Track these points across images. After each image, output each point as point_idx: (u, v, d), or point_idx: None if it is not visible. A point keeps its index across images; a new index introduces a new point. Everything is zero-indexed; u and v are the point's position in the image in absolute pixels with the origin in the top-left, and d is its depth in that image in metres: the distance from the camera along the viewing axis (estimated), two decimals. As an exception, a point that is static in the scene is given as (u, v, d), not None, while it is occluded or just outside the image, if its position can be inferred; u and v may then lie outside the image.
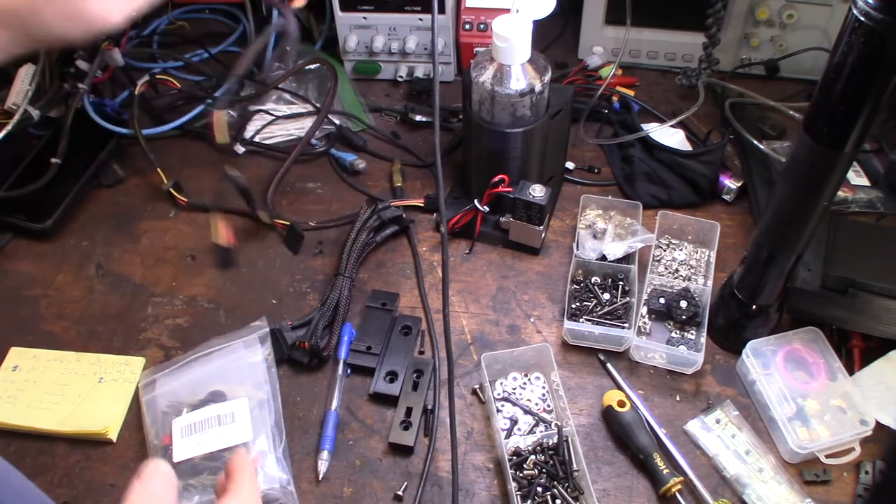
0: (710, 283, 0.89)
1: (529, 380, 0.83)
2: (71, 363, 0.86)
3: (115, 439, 0.80)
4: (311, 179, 1.06)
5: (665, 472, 0.74)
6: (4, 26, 0.50)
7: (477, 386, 0.83)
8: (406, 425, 0.79)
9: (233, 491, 0.53)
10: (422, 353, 0.87)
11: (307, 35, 1.25)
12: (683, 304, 0.85)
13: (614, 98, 1.10)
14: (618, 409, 0.78)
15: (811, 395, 0.78)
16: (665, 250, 0.94)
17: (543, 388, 0.83)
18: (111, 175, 1.06)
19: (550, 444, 0.77)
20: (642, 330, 0.87)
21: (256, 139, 1.09)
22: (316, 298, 0.92)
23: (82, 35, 0.52)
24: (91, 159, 1.04)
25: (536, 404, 0.81)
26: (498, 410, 0.80)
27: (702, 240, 0.94)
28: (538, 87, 0.85)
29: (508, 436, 0.78)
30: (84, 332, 0.90)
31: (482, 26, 1.11)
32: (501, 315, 0.90)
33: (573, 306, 0.88)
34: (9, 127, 0.99)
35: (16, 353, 0.87)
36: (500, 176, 0.89)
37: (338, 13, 1.12)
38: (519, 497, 0.73)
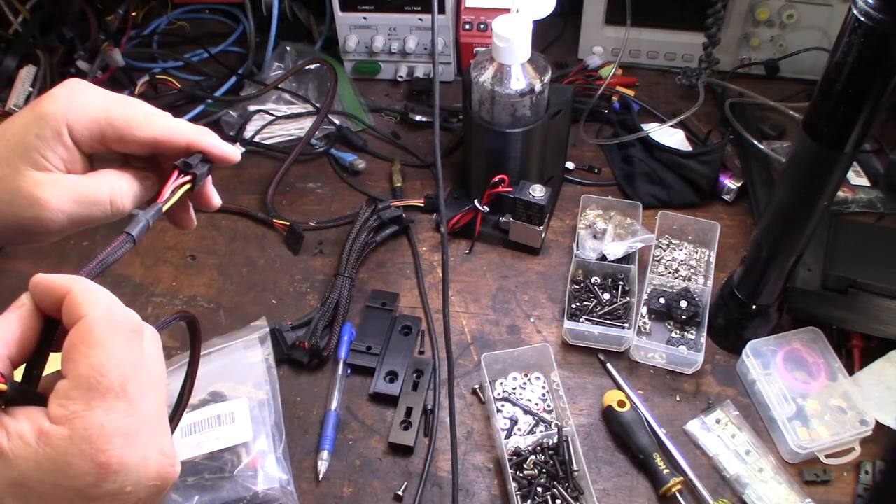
0: (710, 283, 0.89)
1: (529, 380, 0.83)
2: (71, 363, 0.86)
3: (115, 439, 0.80)
4: (311, 179, 1.06)
5: (665, 472, 0.74)
6: None
7: (477, 386, 0.83)
8: (406, 425, 0.79)
9: (71, 375, 0.33)
10: (422, 353, 0.87)
11: (307, 35, 1.25)
12: (683, 304, 0.85)
13: (614, 98, 1.10)
14: (618, 409, 0.78)
15: (811, 395, 0.78)
16: (665, 250, 0.94)
17: (543, 388, 0.83)
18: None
19: (550, 444, 0.77)
20: (642, 330, 0.86)
21: (256, 139, 1.09)
22: (316, 298, 0.92)
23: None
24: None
25: (536, 404, 0.81)
26: (498, 410, 0.80)
27: (702, 240, 0.94)
28: (538, 87, 0.85)
29: (508, 436, 0.78)
30: (84, 332, 0.90)
31: (482, 26, 1.11)
32: (501, 315, 0.90)
33: (573, 306, 0.88)
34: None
35: (16, 353, 0.87)
36: (500, 176, 0.89)
37: (338, 13, 1.12)
38: (519, 497, 0.73)
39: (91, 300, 0.35)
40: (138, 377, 0.35)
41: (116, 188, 0.46)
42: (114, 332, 0.34)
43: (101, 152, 0.46)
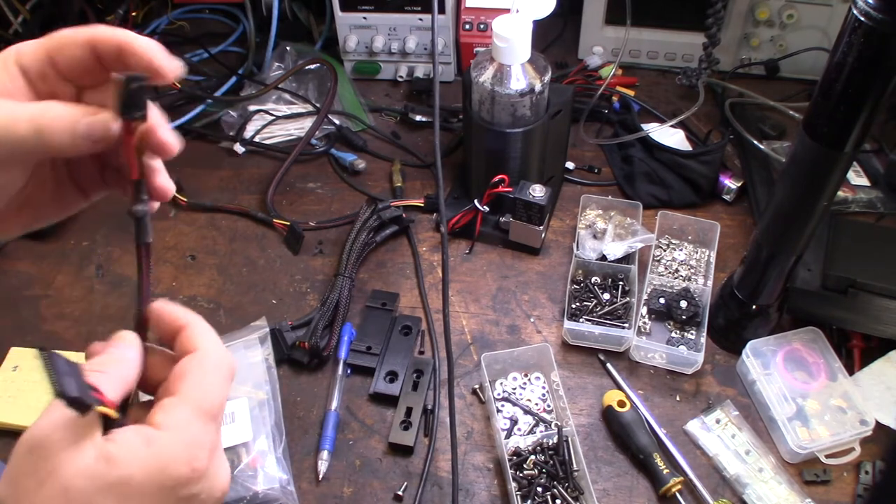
0: (710, 283, 0.89)
1: (529, 380, 0.83)
2: (71, 363, 0.86)
3: (115, 439, 0.80)
4: (311, 179, 1.06)
5: (665, 472, 0.74)
6: None
7: (477, 386, 0.83)
8: (406, 425, 0.79)
9: (182, 392, 0.40)
10: (422, 353, 0.87)
11: (307, 35, 1.25)
12: (683, 304, 0.85)
13: (614, 98, 1.10)
14: (618, 409, 0.78)
15: (811, 395, 0.78)
16: (665, 250, 0.94)
17: (543, 388, 0.83)
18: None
19: (550, 444, 0.77)
20: (642, 330, 0.87)
21: (256, 139, 1.09)
22: (316, 298, 0.92)
23: None
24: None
25: (536, 404, 0.81)
26: (498, 410, 0.80)
27: (702, 240, 0.94)
28: (538, 87, 0.85)
29: (508, 436, 0.78)
30: (84, 332, 0.90)
31: (482, 26, 1.11)
32: (501, 315, 0.90)
33: (573, 306, 0.88)
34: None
35: (16, 354, 0.87)
36: (500, 176, 0.89)
37: (338, 13, 1.12)
38: (519, 497, 0.73)
39: (205, 336, 0.43)
40: (224, 405, 0.42)
41: (42, 108, 0.41)
42: (219, 366, 0.42)
43: (49, 86, 0.44)
